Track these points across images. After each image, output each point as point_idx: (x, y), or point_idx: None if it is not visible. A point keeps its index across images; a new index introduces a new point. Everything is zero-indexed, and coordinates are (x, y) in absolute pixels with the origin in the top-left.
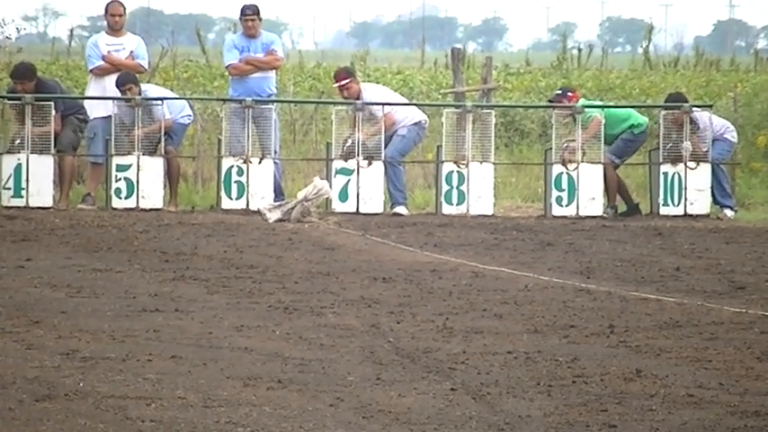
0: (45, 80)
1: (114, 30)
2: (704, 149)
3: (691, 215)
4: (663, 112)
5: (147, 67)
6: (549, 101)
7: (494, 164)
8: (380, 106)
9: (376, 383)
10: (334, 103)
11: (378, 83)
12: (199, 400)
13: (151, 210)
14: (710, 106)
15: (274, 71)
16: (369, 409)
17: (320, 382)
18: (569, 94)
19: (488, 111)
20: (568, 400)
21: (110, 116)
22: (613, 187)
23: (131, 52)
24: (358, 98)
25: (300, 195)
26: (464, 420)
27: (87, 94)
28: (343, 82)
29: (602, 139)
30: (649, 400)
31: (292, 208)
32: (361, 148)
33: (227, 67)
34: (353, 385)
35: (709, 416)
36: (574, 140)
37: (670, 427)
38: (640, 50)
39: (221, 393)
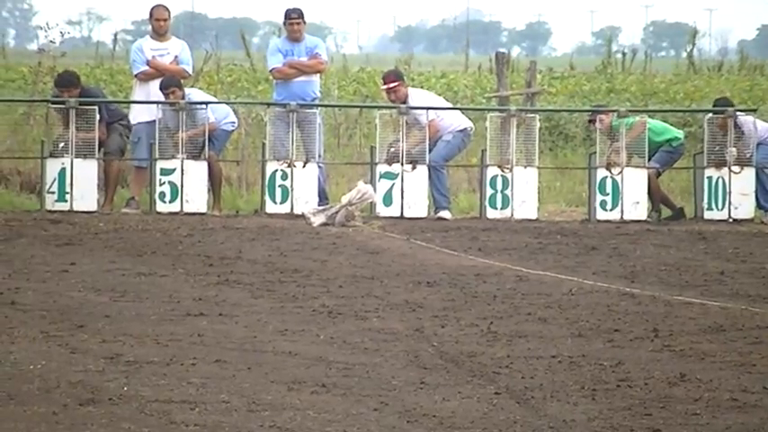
0: (89, 88)
1: (159, 34)
2: (748, 155)
3: (735, 219)
4: (707, 117)
5: (191, 71)
6: (590, 121)
7: (538, 168)
8: (425, 113)
9: (420, 388)
10: (379, 107)
11: (422, 87)
12: (243, 404)
13: (195, 214)
14: (755, 110)
15: (318, 75)
16: (413, 414)
17: (364, 386)
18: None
19: (532, 115)
20: (613, 404)
21: (154, 120)
22: (657, 194)
23: (176, 57)
24: (404, 102)
25: (345, 199)
26: (508, 424)
27: (132, 98)
28: (391, 84)
29: (647, 143)
30: (693, 404)
31: (336, 212)
32: (405, 153)
33: (270, 71)
34: (397, 389)
35: (754, 420)
36: (618, 141)
37: (714, 431)
38: (684, 55)
39: (265, 397)
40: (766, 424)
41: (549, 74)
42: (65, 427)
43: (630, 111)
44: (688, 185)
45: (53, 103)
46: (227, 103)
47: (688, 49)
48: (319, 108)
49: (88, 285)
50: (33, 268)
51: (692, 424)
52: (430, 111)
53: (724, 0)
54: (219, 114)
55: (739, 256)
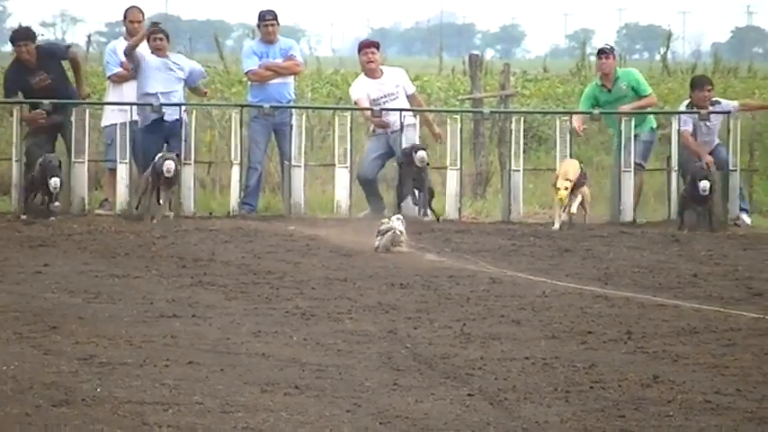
0: (48, 45)
1: (133, 36)
2: (715, 143)
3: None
4: (685, 103)
5: None
6: (600, 51)
7: (512, 171)
8: (408, 89)
9: (393, 389)
10: (353, 110)
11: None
12: (216, 405)
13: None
14: (728, 113)
15: (293, 77)
16: (386, 415)
17: (337, 387)
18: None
19: (506, 117)
20: (586, 406)
21: (126, 122)
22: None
23: None
24: (379, 73)
25: (396, 224)
26: (481, 426)
27: (105, 100)
28: (372, 48)
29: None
30: (667, 406)
31: (382, 233)
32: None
33: (246, 73)
34: (371, 391)
35: (727, 422)
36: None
37: None
38: (658, 57)
39: (239, 399)
40: (740, 426)
41: (523, 76)
42: (38, 429)
43: (603, 113)
44: (662, 187)
45: (29, 104)
46: (202, 105)
47: (662, 52)
48: (294, 110)
49: (62, 287)
50: (7, 270)
51: (666, 426)
52: (410, 86)
53: (698, 3)
54: (195, 76)
55: (713, 258)
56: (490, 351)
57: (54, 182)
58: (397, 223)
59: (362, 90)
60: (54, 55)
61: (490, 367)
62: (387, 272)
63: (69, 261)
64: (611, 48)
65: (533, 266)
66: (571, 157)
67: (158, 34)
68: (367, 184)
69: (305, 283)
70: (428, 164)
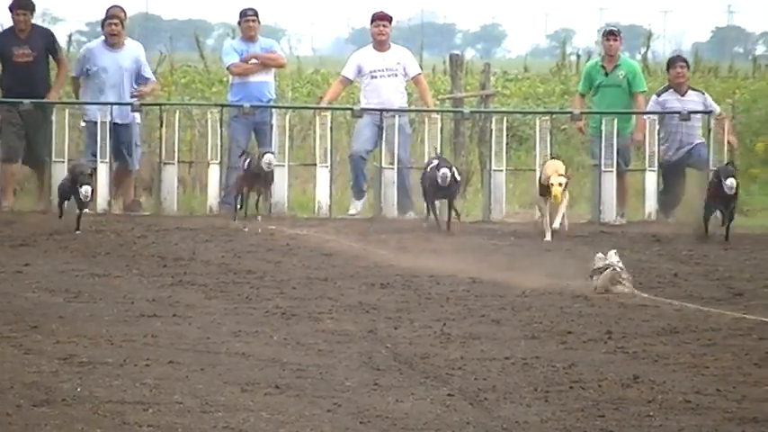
0: (43, 27)
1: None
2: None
3: None
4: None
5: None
6: (609, 32)
7: (492, 170)
8: (411, 70)
9: (373, 389)
10: (333, 109)
11: None
12: (196, 405)
13: (149, 215)
14: (709, 112)
15: (273, 76)
16: (366, 415)
17: (318, 387)
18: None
19: (486, 117)
20: (566, 405)
21: (105, 122)
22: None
23: None
24: (387, 47)
25: (613, 259)
26: (461, 426)
27: (84, 98)
28: (385, 21)
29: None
30: (647, 406)
31: (600, 270)
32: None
33: (228, 67)
34: (351, 391)
35: (707, 422)
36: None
37: None
38: (639, 57)
39: (219, 399)
40: (720, 426)
41: (504, 76)
42: (19, 428)
43: (584, 113)
44: (641, 187)
45: (7, 104)
46: (182, 105)
47: (642, 51)
48: (274, 109)
49: (42, 286)
50: None
51: (646, 426)
52: (414, 67)
53: (678, 2)
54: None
55: (693, 258)
56: (470, 351)
57: (85, 190)
58: (614, 258)
59: (355, 61)
60: (45, 37)
61: (470, 367)
62: (367, 271)
63: (50, 260)
64: (619, 30)
65: (514, 266)
66: (552, 156)
67: (114, 19)
68: (357, 162)
69: (285, 283)
70: (455, 177)
